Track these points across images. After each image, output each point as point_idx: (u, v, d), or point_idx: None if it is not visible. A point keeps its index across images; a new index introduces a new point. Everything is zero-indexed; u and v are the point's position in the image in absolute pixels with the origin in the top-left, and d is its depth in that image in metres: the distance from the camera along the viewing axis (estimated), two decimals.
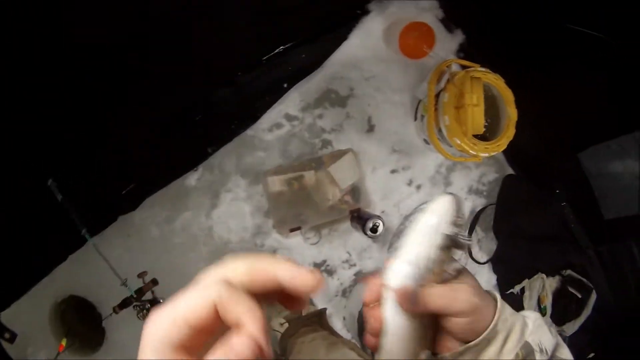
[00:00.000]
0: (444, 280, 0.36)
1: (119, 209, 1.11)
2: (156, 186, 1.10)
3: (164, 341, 0.25)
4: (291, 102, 1.11)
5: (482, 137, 1.11)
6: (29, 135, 0.86)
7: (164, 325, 0.25)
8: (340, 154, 1.09)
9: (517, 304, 1.29)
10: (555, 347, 0.39)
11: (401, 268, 0.36)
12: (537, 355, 0.37)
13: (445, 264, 0.36)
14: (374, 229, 1.04)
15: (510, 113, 1.11)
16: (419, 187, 1.16)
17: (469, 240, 0.37)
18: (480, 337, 0.36)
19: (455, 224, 0.36)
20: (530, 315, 0.40)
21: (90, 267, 1.09)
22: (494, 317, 0.37)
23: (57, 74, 0.79)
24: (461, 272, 0.38)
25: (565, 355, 0.39)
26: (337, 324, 1.11)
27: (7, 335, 1.10)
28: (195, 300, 0.25)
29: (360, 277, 1.13)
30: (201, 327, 0.25)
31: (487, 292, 0.39)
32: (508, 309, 0.38)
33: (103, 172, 1.06)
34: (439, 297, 0.36)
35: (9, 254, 1.02)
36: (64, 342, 1.08)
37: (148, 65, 0.93)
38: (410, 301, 0.35)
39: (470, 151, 1.08)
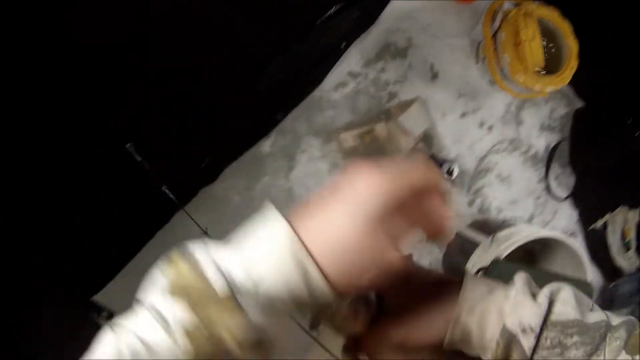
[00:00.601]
0: None
1: (199, 182, 1.16)
2: (232, 157, 1.14)
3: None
4: (352, 60, 1.12)
5: (549, 73, 1.09)
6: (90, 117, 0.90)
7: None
8: (407, 104, 1.09)
9: (600, 240, 1.26)
10: (549, 312, 0.32)
11: None
12: (521, 337, 0.32)
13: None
14: (450, 172, 1.04)
15: (570, 44, 1.10)
16: (490, 128, 1.15)
17: None
18: (447, 337, 0.33)
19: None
20: (516, 283, 0.34)
21: (178, 240, 1.14)
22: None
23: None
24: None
25: (564, 315, 0.32)
26: None
27: (104, 314, 1.18)
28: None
29: None
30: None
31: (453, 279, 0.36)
32: (478, 292, 0.34)
33: (179, 150, 1.11)
34: None
35: (98, 237, 1.09)
36: None
37: (205, 43, 0.96)
38: None
39: (535, 87, 1.07)
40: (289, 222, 0.29)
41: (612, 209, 1.28)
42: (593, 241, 1.27)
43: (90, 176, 0.98)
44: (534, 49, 1.04)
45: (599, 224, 1.28)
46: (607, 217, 1.28)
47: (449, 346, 0.34)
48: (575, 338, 0.31)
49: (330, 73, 1.11)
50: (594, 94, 1.26)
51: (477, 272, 0.86)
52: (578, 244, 0.93)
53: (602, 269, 1.29)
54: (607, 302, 1.30)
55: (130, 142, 0.97)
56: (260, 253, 0.29)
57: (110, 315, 1.16)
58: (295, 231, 0.29)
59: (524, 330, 0.32)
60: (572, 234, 1.25)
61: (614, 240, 1.30)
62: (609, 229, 1.28)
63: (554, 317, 0.32)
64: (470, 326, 0.33)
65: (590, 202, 1.27)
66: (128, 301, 1.01)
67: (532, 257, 1.11)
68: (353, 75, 1.12)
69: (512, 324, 0.32)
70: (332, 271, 0.28)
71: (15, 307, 0.90)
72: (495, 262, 0.85)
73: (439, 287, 0.36)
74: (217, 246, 0.29)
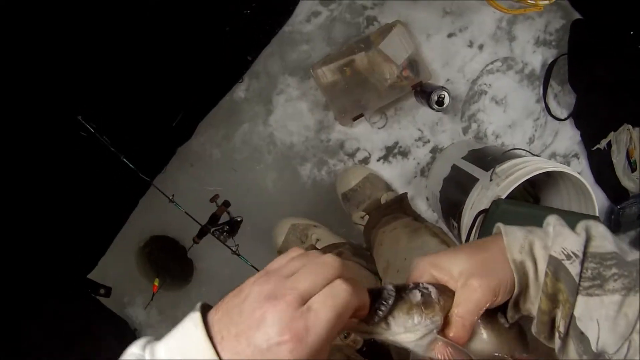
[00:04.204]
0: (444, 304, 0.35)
1: (175, 141, 1.09)
2: (205, 109, 1.06)
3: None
4: None
5: None
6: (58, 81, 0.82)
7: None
8: (388, 29, 0.99)
9: (605, 160, 1.19)
10: (587, 243, 0.34)
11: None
12: (567, 264, 0.33)
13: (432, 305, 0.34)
14: (440, 102, 0.96)
15: None
16: (481, 47, 1.05)
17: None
18: (516, 283, 0.34)
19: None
20: (550, 222, 0.36)
21: (162, 205, 1.08)
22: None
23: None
24: (440, 288, 0.35)
25: (602, 248, 0.34)
26: (422, 206, 1.07)
27: (102, 291, 1.13)
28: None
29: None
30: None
31: (489, 237, 0.37)
32: (519, 233, 0.36)
33: (143, 110, 1.02)
34: (466, 315, 0.34)
35: (83, 217, 1.03)
36: (156, 282, 1.10)
37: None
38: (457, 338, 0.34)
39: (528, 0, 0.97)
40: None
41: (616, 127, 1.21)
42: (597, 162, 1.21)
43: (63, 157, 0.92)
44: None
45: (603, 144, 1.21)
46: (610, 136, 1.20)
47: (515, 303, 0.35)
48: (614, 270, 0.32)
49: (300, 2, 1.01)
50: (591, 4, 1.16)
51: (477, 215, 0.79)
52: (585, 178, 0.86)
53: (607, 191, 1.23)
54: (614, 224, 1.25)
55: (80, 114, 0.90)
56: None
57: (108, 291, 1.13)
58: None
59: (568, 257, 0.33)
60: (575, 156, 1.18)
61: (619, 160, 1.23)
62: (613, 148, 1.21)
63: (592, 249, 0.34)
64: (525, 263, 0.34)
65: (593, 121, 1.20)
66: (122, 273, 0.95)
67: (535, 188, 1.05)
68: (326, 2, 1.01)
69: (556, 252, 0.33)
70: None
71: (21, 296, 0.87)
72: (496, 202, 0.78)
73: (484, 245, 0.37)
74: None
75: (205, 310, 0.28)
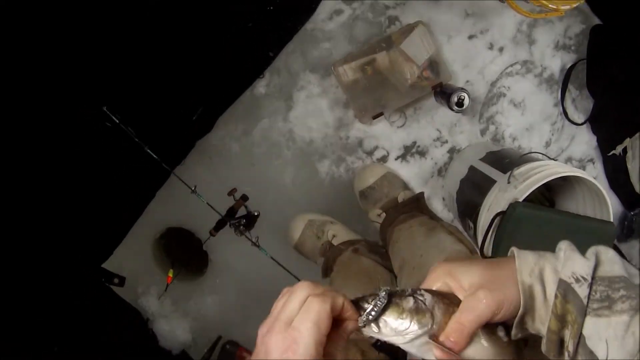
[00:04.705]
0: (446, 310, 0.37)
1: (194, 134, 1.10)
2: (225, 103, 1.07)
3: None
4: None
5: None
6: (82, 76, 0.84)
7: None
8: (409, 29, 1.00)
9: (620, 166, 1.19)
10: (596, 267, 0.36)
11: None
12: (576, 287, 0.35)
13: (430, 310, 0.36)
14: (460, 103, 0.97)
15: None
16: (501, 49, 1.06)
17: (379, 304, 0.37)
18: (522, 304, 0.36)
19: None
20: (561, 247, 0.38)
21: (179, 197, 1.09)
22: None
23: None
24: (443, 295, 0.38)
25: (611, 272, 0.35)
26: (438, 206, 1.08)
27: (116, 281, 1.15)
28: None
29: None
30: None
31: (504, 258, 0.39)
32: (531, 257, 0.38)
33: (165, 103, 1.04)
34: (466, 323, 0.36)
35: (100, 205, 1.05)
36: (171, 273, 1.11)
37: None
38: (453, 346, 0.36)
39: (550, 5, 0.97)
40: None
41: (632, 133, 1.21)
42: (612, 167, 1.21)
43: (82, 145, 0.93)
44: None
45: (618, 149, 1.21)
46: (626, 142, 1.21)
47: (521, 319, 0.37)
48: (622, 292, 0.34)
49: (322, 1, 1.02)
50: (611, 9, 1.16)
51: (495, 217, 0.80)
52: (600, 183, 0.86)
53: (621, 197, 1.23)
54: (627, 230, 1.25)
55: (106, 104, 0.91)
56: None
57: (122, 280, 1.14)
58: None
59: (577, 280, 0.35)
60: (591, 161, 1.19)
61: (634, 166, 1.23)
62: (629, 154, 1.22)
63: (601, 273, 0.35)
64: (534, 287, 0.36)
65: (609, 127, 1.20)
66: (137, 263, 0.97)
67: (551, 191, 1.05)
68: (348, 1, 1.02)
69: (566, 276, 0.35)
70: None
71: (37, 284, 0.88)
72: (513, 204, 0.79)
73: (499, 264, 0.39)
74: None
75: None
